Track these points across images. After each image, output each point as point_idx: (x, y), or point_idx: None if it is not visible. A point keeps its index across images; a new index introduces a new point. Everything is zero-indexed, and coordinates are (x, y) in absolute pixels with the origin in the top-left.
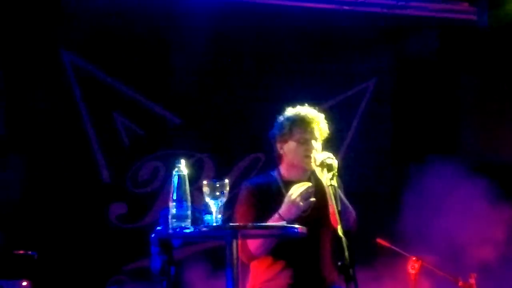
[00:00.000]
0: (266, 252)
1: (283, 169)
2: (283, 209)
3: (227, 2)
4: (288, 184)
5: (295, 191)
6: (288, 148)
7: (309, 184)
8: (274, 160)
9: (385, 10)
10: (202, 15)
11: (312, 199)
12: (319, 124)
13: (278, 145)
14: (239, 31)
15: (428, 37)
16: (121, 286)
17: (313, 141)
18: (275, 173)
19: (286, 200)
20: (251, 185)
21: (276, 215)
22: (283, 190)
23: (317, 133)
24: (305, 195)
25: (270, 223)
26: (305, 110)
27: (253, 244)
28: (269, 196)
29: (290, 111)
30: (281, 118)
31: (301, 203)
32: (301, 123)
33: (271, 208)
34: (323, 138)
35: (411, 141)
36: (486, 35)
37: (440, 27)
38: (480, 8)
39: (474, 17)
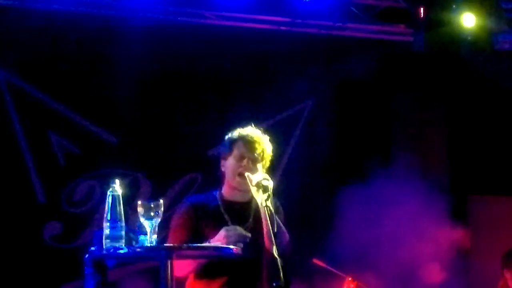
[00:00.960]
0: (189, 273)
1: (225, 189)
2: (215, 239)
3: (163, 20)
4: (229, 204)
5: (232, 232)
6: (227, 165)
7: (249, 235)
8: (217, 179)
9: (322, 31)
10: (138, 34)
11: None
12: (262, 145)
13: (221, 163)
14: (176, 51)
15: (365, 58)
16: None
17: (250, 161)
18: (216, 193)
19: (221, 233)
20: (190, 202)
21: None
22: (222, 210)
23: (257, 153)
24: (239, 239)
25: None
26: (249, 130)
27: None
28: (207, 215)
29: (236, 131)
30: (226, 137)
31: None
32: (241, 140)
33: (207, 226)
34: (266, 161)
35: (347, 160)
36: (421, 57)
37: (377, 48)
38: (416, 31)
39: (410, 39)
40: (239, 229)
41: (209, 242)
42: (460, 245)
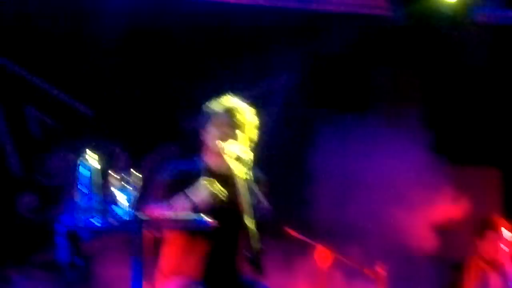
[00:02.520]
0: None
1: (209, 158)
2: (193, 190)
3: None
4: (211, 173)
5: (210, 184)
6: (206, 134)
7: (225, 193)
8: (193, 150)
9: (301, 6)
10: (114, 5)
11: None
12: (241, 114)
13: (201, 132)
14: (152, 22)
15: (343, 32)
16: (30, 279)
17: (230, 129)
18: (198, 159)
19: (199, 182)
20: (174, 168)
21: (184, 196)
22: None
23: (238, 124)
24: (215, 193)
25: (177, 203)
26: (228, 99)
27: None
28: (190, 183)
29: (218, 100)
30: (205, 107)
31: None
32: (221, 109)
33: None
34: (250, 131)
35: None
36: (401, 31)
37: (356, 22)
38: (396, 5)
39: (389, 13)
40: (217, 185)
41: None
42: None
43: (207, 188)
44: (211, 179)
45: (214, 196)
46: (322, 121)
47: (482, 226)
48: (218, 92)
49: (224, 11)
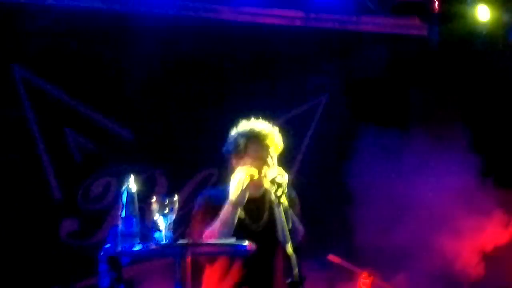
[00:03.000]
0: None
1: None
2: (230, 193)
3: (177, 15)
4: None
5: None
6: (243, 165)
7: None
8: (229, 175)
9: (337, 26)
10: (152, 30)
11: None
12: (274, 139)
13: (233, 161)
14: (192, 47)
15: (380, 52)
16: None
17: (268, 158)
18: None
19: (231, 184)
20: (206, 194)
21: (227, 203)
22: None
23: (271, 149)
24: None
25: (222, 213)
26: (259, 126)
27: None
28: (223, 206)
29: (244, 126)
30: (235, 133)
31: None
32: (257, 140)
33: None
34: (277, 153)
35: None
36: (436, 51)
37: (392, 43)
38: (431, 24)
39: (425, 33)
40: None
41: (229, 200)
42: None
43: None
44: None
45: (241, 184)
46: (363, 141)
47: None
48: (259, 116)
49: (259, 32)
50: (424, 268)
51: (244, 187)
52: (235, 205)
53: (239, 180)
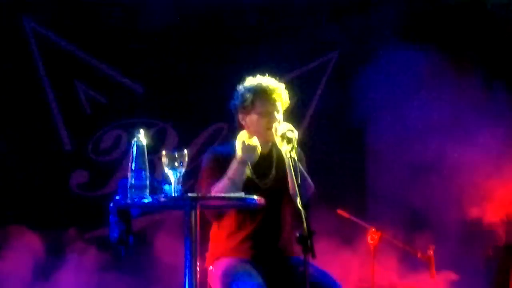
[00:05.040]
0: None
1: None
2: (238, 151)
3: None
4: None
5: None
6: (250, 120)
7: (258, 146)
8: (236, 130)
9: None
10: None
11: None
12: (281, 95)
13: (240, 116)
14: (201, 1)
15: (391, 10)
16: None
17: (275, 113)
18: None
19: (237, 143)
20: (214, 151)
21: (235, 161)
22: None
23: (279, 104)
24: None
25: (230, 171)
26: (266, 81)
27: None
28: (231, 163)
29: (251, 82)
30: (241, 88)
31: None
32: (263, 94)
33: None
34: (284, 109)
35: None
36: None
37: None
38: None
39: None
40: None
41: (236, 159)
42: None
43: (242, 141)
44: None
45: (250, 144)
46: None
47: None
48: (267, 71)
49: None
50: (445, 229)
51: (252, 144)
52: (243, 162)
53: (245, 139)
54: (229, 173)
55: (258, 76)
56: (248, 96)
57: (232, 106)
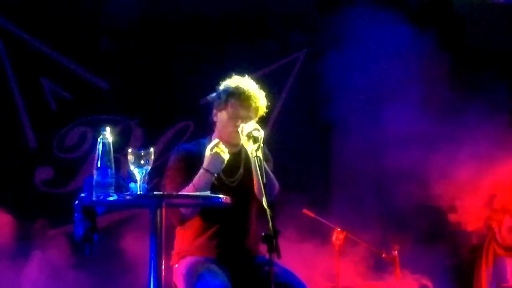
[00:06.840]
0: (195, 212)
1: (214, 138)
2: (206, 162)
3: None
4: None
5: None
6: (220, 118)
7: (226, 156)
8: (207, 127)
9: None
10: None
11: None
12: (257, 102)
13: (214, 111)
14: (170, 2)
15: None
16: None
17: (246, 118)
18: (206, 141)
19: (206, 153)
20: (182, 150)
21: (202, 170)
22: None
23: (252, 110)
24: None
25: (196, 179)
26: (245, 85)
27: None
28: (198, 163)
29: (232, 81)
30: (222, 85)
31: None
32: (238, 97)
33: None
34: (258, 115)
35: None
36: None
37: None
38: None
39: None
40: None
41: (203, 169)
42: None
43: (212, 150)
44: (216, 140)
45: (218, 156)
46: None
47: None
48: (237, 69)
49: None
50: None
51: (220, 158)
52: (210, 172)
53: (215, 150)
54: (194, 181)
55: (239, 77)
56: (223, 95)
57: (211, 100)
